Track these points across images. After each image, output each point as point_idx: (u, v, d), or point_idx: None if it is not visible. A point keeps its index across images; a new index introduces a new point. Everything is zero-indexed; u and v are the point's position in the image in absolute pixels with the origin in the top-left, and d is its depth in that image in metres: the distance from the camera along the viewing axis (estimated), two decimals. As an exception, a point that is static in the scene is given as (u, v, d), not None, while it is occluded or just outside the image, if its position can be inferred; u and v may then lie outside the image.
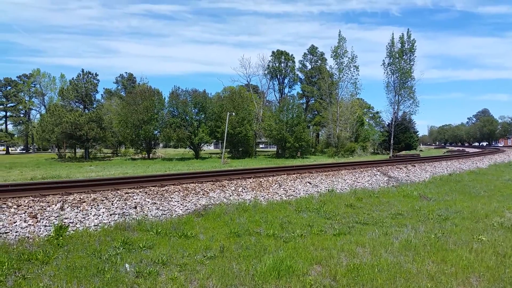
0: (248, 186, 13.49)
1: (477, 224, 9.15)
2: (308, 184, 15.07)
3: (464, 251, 6.78)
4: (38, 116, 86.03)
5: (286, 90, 74.54)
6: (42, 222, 8.19)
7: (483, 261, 6.25)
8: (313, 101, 75.89)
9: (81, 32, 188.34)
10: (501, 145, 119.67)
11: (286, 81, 73.60)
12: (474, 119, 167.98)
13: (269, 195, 12.96)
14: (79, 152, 57.70)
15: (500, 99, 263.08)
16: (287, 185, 14.37)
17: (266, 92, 72.31)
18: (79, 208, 9.10)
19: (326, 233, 8.23)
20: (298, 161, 43.16)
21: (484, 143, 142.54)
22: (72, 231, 7.99)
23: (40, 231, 7.85)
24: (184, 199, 11.17)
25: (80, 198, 9.70)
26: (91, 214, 9.01)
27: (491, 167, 29.01)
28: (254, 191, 13.05)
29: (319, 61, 75.42)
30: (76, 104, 55.20)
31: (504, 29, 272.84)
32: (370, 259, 6.36)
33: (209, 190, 12.37)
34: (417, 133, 77.63)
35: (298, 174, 16.55)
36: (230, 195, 12.29)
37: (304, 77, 76.73)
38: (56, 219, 8.36)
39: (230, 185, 13.21)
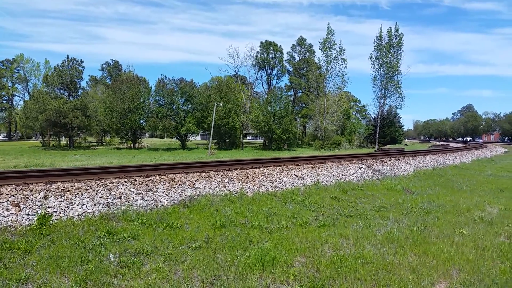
0: (235, 177, 13.49)
1: (459, 218, 9.33)
2: (294, 176, 15.14)
3: (446, 244, 6.92)
4: (21, 102, 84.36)
5: (274, 81, 74.48)
6: (25, 211, 8.08)
7: (463, 254, 6.39)
8: (300, 93, 75.99)
9: (67, 18, 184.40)
10: (481, 141, 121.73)
11: (274, 72, 73.44)
12: (459, 114, 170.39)
13: (255, 187, 12.99)
14: (64, 140, 56.82)
15: (485, 95, 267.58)
16: (273, 177, 14.42)
17: (254, 83, 72.07)
18: (63, 197, 9.00)
19: (310, 225, 8.30)
20: (285, 153, 43.29)
21: (468, 139, 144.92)
22: (55, 221, 7.91)
23: (22, 220, 7.74)
24: (169, 190, 11.13)
25: (64, 187, 9.58)
26: (75, 203, 8.92)
27: (474, 162, 29.56)
28: (241, 183, 13.06)
29: (308, 53, 75.40)
30: (61, 91, 54.27)
31: (490, 25, 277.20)
32: (353, 251, 6.45)
33: (195, 181, 12.34)
34: (402, 127, 78.66)
35: (285, 166, 16.61)
36: (216, 186, 12.29)
37: (292, 68, 76.73)
38: (39, 208, 8.26)
39: (216, 176, 13.20)
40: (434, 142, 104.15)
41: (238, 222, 8.34)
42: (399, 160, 23.50)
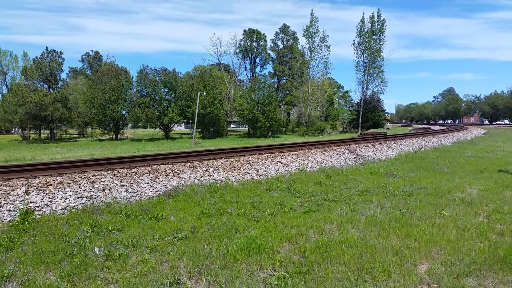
0: (219, 166, 13.48)
1: (440, 199, 9.52)
2: (279, 163, 15.21)
3: (427, 226, 7.06)
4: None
5: (258, 69, 74.53)
6: (6, 207, 7.95)
7: (444, 235, 6.53)
8: (284, 80, 76.00)
9: (46, 9, 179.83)
10: (457, 123, 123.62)
11: (257, 60, 73.46)
12: (440, 97, 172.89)
13: (240, 175, 13.02)
14: (44, 133, 55.84)
15: (466, 78, 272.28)
16: (258, 165, 14.46)
17: (237, 71, 71.75)
18: (45, 192, 8.87)
19: (296, 211, 8.37)
20: (269, 140, 43.40)
21: (449, 121, 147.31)
22: (38, 216, 7.80)
23: (4, 216, 7.62)
24: (154, 181, 11.07)
25: (46, 181, 9.44)
26: (58, 197, 8.81)
27: (455, 144, 30.07)
28: (226, 171, 13.07)
29: (291, 40, 75.27)
30: (41, 83, 53.16)
31: (471, 10, 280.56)
32: (337, 235, 6.53)
33: (180, 171, 12.30)
34: (385, 112, 79.35)
35: (269, 154, 16.66)
36: (201, 176, 12.27)
37: (276, 56, 76.59)
38: (21, 204, 8.14)
39: (201, 166, 13.17)
40: (416, 125, 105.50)
41: (224, 211, 8.36)
42: (381, 144, 23.79)
